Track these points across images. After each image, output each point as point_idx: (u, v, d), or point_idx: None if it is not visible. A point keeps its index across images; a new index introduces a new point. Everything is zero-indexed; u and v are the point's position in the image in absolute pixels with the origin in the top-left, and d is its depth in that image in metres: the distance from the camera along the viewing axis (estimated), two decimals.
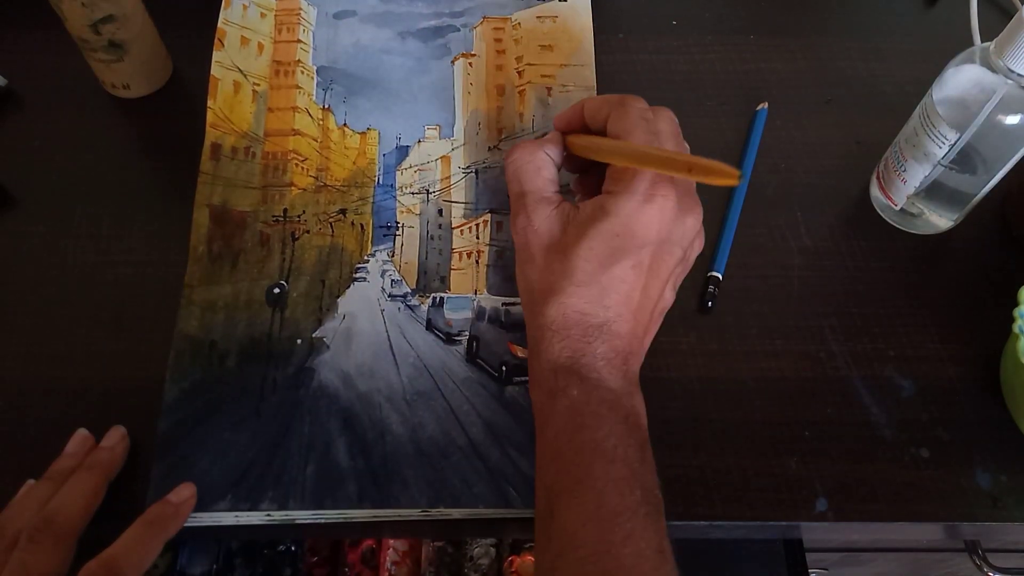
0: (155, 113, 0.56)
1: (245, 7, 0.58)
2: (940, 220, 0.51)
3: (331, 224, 0.50)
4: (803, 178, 0.54)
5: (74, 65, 0.56)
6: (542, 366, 0.39)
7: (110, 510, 0.42)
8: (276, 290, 0.48)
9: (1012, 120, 0.42)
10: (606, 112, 0.42)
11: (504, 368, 0.46)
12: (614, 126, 0.41)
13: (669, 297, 0.42)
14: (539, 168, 0.43)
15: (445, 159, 0.53)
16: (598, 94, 0.55)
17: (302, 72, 0.56)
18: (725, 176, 0.35)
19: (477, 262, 0.49)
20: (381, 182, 0.52)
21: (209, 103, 0.54)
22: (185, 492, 0.41)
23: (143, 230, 0.51)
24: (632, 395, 0.39)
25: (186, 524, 0.41)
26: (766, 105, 0.56)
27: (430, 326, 0.47)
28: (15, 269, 0.50)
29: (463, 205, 0.51)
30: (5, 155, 0.54)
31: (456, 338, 0.47)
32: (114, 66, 0.54)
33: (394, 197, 0.52)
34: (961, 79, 0.44)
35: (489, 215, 0.51)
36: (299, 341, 0.46)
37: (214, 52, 0.56)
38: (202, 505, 0.41)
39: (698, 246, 0.43)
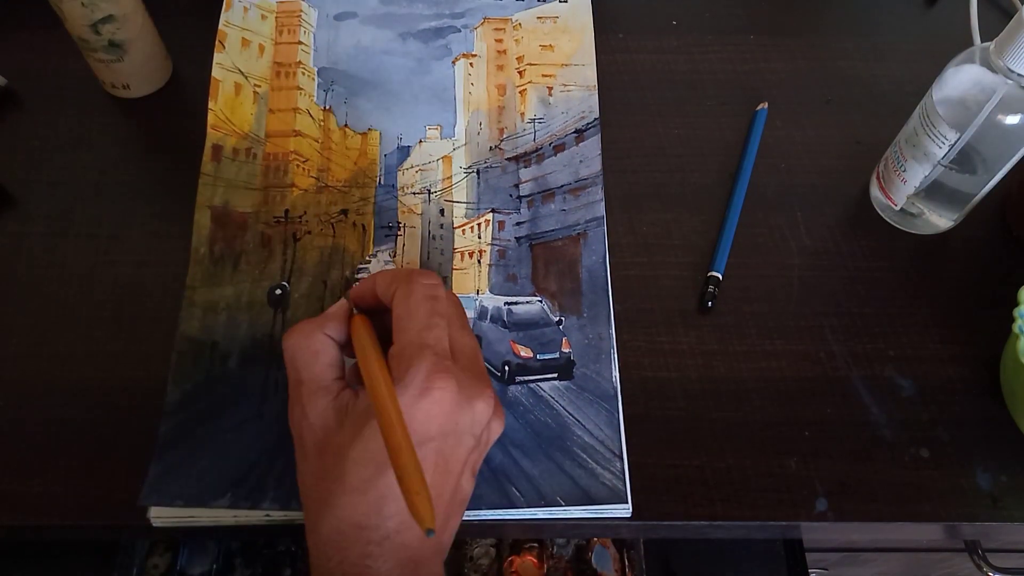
0: (155, 113, 0.56)
1: (246, 9, 0.58)
2: (940, 220, 0.51)
3: (332, 225, 0.50)
4: (803, 178, 0.54)
5: (74, 65, 0.56)
6: None
7: (107, 510, 0.42)
8: (278, 291, 0.48)
9: (1012, 120, 0.43)
10: (394, 289, 0.38)
11: (507, 368, 0.46)
12: (398, 307, 0.38)
13: (467, 487, 0.38)
14: (316, 353, 0.38)
15: (446, 159, 0.53)
16: (599, 94, 0.55)
17: (303, 73, 0.56)
18: (419, 520, 0.31)
19: (479, 262, 0.49)
20: (382, 182, 0.52)
21: (210, 105, 0.54)
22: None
23: (143, 230, 0.51)
24: None
25: (186, 524, 0.41)
26: (766, 105, 0.56)
27: None
28: (15, 269, 0.50)
29: (465, 205, 0.51)
30: (5, 155, 0.54)
31: None
32: (114, 66, 0.54)
33: (396, 197, 0.52)
34: (961, 79, 0.44)
35: (491, 214, 0.51)
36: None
37: (215, 54, 0.56)
38: (201, 502, 0.41)
39: (496, 428, 0.39)
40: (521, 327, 0.47)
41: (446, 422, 0.35)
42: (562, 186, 0.52)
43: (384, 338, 0.38)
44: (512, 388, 0.45)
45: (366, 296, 0.40)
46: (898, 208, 0.51)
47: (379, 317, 0.40)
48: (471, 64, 0.57)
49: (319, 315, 0.40)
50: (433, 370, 0.35)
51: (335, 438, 0.35)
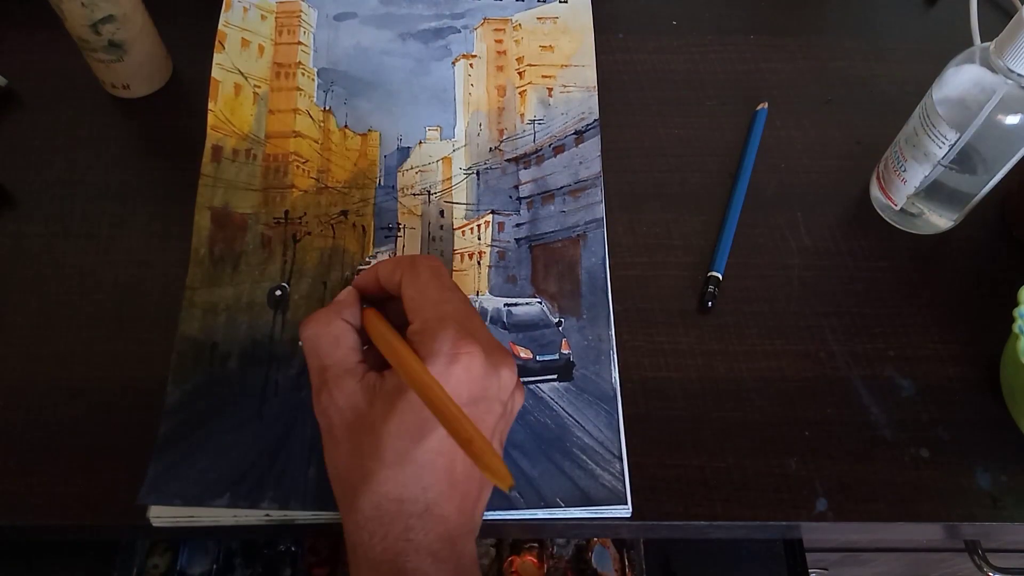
0: (155, 113, 0.56)
1: (246, 9, 0.58)
2: (940, 220, 0.51)
3: (332, 226, 0.50)
4: (803, 178, 0.54)
5: (74, 65, 0.56)
6: (360, 569, 0.35)
7: (107, 510, 0.42)
8: (278, 292, 0.48)
9: (1012, 120, 0.43)
10: (399, 276, 0.39)
11: None
12: (408, 289, 0.38)
13: None
14: (337, 338, 0.38)
15: (446, 160, 0.53)
16: (598, 94, 0.55)
17: (303, 74, 0.56)
18: (495, 477, 0.31)
19: (479, 263, 0.49)
20: (382, 183, 0.52)
21: (210, 105, 0.54)
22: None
23: (143, 230, 0.51)
24: None
25: (186, 524, 0.41)
26: (766, 105, 0.56)
27: None
28: (15, 269, 0.50)
29: (464, 206, 0.51)
30: (5, 155, 0.54)
31: None
32: (114, 66, 0.54)
33: (395, 198, 0.52)
34: (961, 79, 0.44)
35: (491, 216, 0.51)
36: (301, 343, 0.46)
37: (215, 54, 0.56)
38: (199, 502, 0.41)
39: (519, 399, 0.39)
40: (521, 328, 0.47)
41: (476, 388, 0.35)
42: (562, 187, 0.52)
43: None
44: None
45: (369, 287, 0.40)
46: (898, 208, 0.51)
47: (382, 308, 0.40)
48: (471, 65, 0.57)
49: (331, 303, 0.40)
50: (458, 337, 0.35)
51: (367, 417, 0.36)
